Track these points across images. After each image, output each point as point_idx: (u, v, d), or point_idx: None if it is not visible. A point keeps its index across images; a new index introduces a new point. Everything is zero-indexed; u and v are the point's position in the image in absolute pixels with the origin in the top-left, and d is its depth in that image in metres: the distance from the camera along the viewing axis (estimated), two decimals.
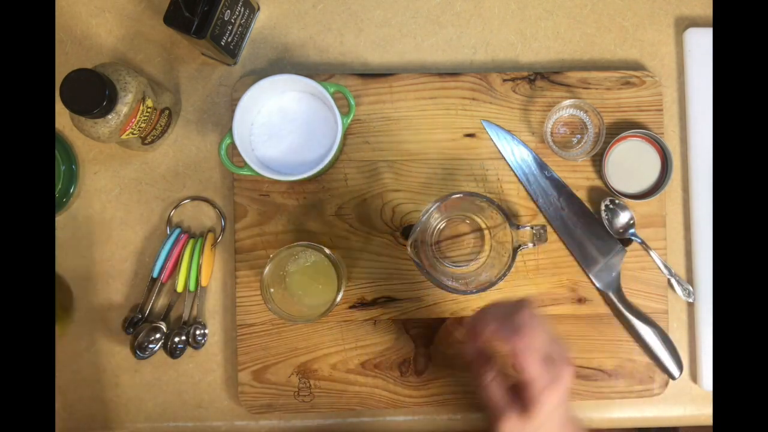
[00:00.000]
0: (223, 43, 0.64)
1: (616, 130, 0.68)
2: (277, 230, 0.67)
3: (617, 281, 0.67)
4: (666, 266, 0.68)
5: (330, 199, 0.68)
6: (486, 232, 0.68)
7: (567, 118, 0.69)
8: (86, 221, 0.69)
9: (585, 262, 0.67)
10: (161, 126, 0.66)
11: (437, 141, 0.68)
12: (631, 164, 0.68)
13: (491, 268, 0.63)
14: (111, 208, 0.69)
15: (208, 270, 0.68)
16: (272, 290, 0.62)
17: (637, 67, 0.71)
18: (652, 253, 0.67)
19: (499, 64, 0.71)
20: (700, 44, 0.69)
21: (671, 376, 0.67)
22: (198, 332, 0.68)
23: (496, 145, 0.68)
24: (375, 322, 0.67)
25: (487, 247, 0.68)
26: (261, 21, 0.70)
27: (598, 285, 0.67)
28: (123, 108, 0.57)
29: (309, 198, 0.68)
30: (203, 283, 0.67)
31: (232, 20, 0.64)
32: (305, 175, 0.61)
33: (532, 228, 0.59)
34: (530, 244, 0.59)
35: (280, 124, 0.64)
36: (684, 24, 0.71)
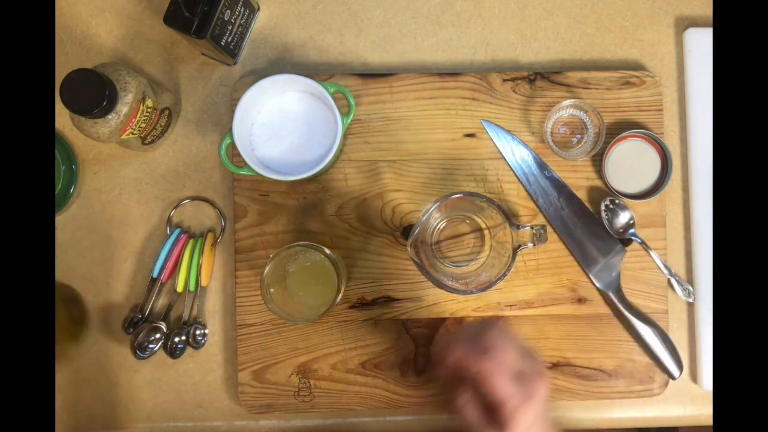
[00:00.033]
0: (223, 43, 0.64)
1: (616, 130, 0.68)
2: (277, 230, 0.67)
3: (617, 281, 0.67)
4: (666, 266, 0.68)
5: (330, 199, 0.68)
6: (486, 232, 0.68)
7: (567, 118, 0.69)
8: (86, 221, 0.69)
9: (585, 262, 0.67)
10: (161, 126, 0.66)
11: (437, 141, 0.68)
12: (631, 164, 0.68)
13: (491, 268, 0.63)
14: (111, 208, 0.69)
15: (208, 270, 0.68)
16: (272, 290, 0.62)
17: (637, 67, 0.71)
18: (652, 253, 0.67)
19: (499, 64, 0.71)
20: (700, 44, 0.69)
21: (671, 376, 0.67)
22: (198, 332, 0.68)
23: (496, 145, 0.68)
24: (375, 322, 0.67)
25: (487, 247, 0.68)
26: (261, 21, 0.70)
27: (598, 285, 0.67)
28: (123, 108, 0.57)
29: (309, 198, 0.68)
30: (203, 283, 0.67)
31: (232, 20, 0.64)
32: (305, 175, 0.61)
33: (532, 228, 0.59)
34: (530, 244, 0.59)
35: (280, 124, 0.64)
36: (684, 24, 0.71)
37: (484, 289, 0.60)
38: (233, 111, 0.61)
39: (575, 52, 0.71)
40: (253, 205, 0.67)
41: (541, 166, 0.68)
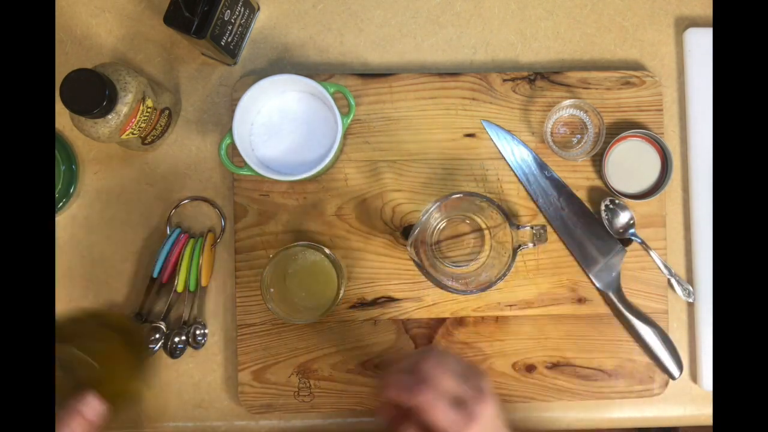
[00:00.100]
0: (223, 43, 0.64)
1: (616, 130, 0.68)
2: (277, 230, 0.67)
3: (617, 281, 0.67)
4: (666, 266, 0.68)
5: (330, 199, 0.68)
6: (486, 232, 0.68)
7: (567, 118, 0.69)
8: (86, 221, 0.69)
9: (585, 262, 0.67)
10: (161, 126, 0.66)
11: (437, 141, 0.68)
12: (631, 164, 0.68)
13: (491, 268, 0.63)
14: (111, 208, 0.69)
15: (208, 270, 0.68)
16: (272, 290, 0.62)
17: (637, 67, 0.71)
18: (652, 253, 0.67)
19: (499, 64, 0.71)
20: (700, 44, 0.69)
21: (671, 376, 0.67)
22: (198, 332, 0.68)
23: (496, 145, 0.68)
24: (375, 322, 0.67)
25: (487, 247, 0.68)
26: (261, 21, 0.70)
27: (598, 285, 0.67)
28: (123, 108, 0.57)
29: (309, 198, 0.68)
30: (203, 283, 0.67)
31: (232, 20, 0.64)
32: (305, 175, 0.61)
33: (532, 228, 0.59)
34: (530, 244, 0.59)
35: (280, 124, 0.64)
36: (684, 24, 0.71)
37: (484, 289, 0.60)
38: (233, 111, 0.61)
39: (575, 52, 0.71)
40: (253, 205, 0.67)
41: (541, 166, 0.68)
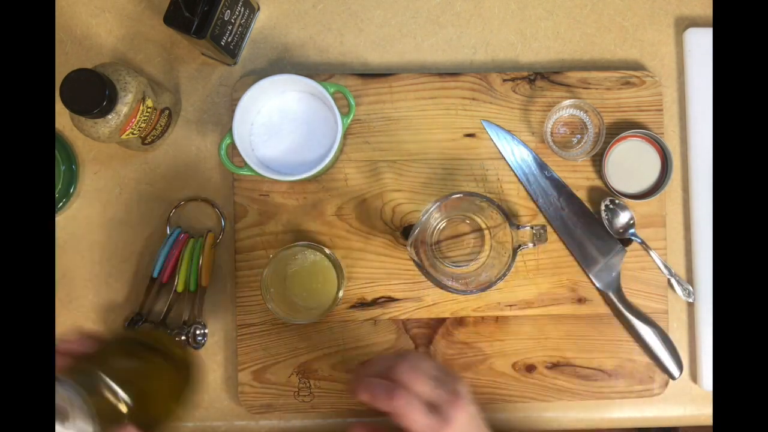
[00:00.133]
0: (223, 43, 0.64)
1: (616, 130, 0.68)
2: (277, 230, 0.67)
3: (617, 281, 0.67)
4: (666, 266, 0.68)
5: (330, 199, 0.68)
6: (486, 232, 0.68)
7: (567, 118, 0.69)
8: (86, 221, 0.69)
9: (585, 262, 0.67)
10: (161, 126, 0.66)
11: (437, 141, 0.68)
12: (631, 164, 0.68)
13: (491, 268, 0.63)
14: (111, 208, 0.69)
15: (208, 270, 0.68)
16: (272, 290, 0.62)
17: (637, 67, 0.71)
18: (652, 253, 0.67)
19: (499, 64, 0.71)
20: (700, 44, 0.69)
21: (671, 376, 0.67)
22: (198, 332, 0.67)
23: (496, 145, 0.68)
24: (375, 322, 0.67)
25: (487, 247, 0.68)
26: (261, 21, 0.70)
27: (598, 285, 0.67)
28: (123, 108, 0.57)
29: (309, 198, 0.68)
30: (203, 283, 0.67)
31: (232, 20, 0.64)
32: (305, 175, 0.61)
33: (532, 228, 0.59)
34: (530, 244, 0.59)
35: (280, 124, 0.64)
36: (684, 24, 0.71)
37: (484, 289, 0.60)
38: (233, 111, 0.61)
39: (575, 52, 0.71)
40: (253, 205, 0.67)
41: (541, 166, 0.68)
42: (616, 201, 0.67)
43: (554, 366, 0.68)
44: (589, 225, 0.68)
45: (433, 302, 0.67)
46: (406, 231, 0.68)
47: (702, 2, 0.71)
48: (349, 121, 0.63)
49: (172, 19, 0.59)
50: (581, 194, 0.68)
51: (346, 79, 0.68)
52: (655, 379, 0.68)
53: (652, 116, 0.69)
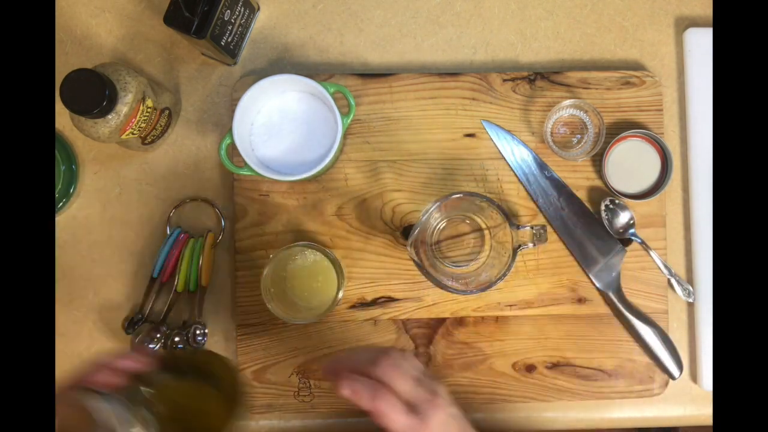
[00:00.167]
0: (223, 43, 0.64)
1: (616, 130, 0.68)
2: (277, 230, 0.67)
3: (617, 281, 0.67)
4: (666, 266, 0.68)
5: (330, 199, 0.68)
6: (486, 232, 0.68)
7: (567, 118, 0.69)
8: (86, 221, 0.69)
9: (585, 262, 0.67)
10: (161, 126, 0.66)
11: (437, 141, 0.68)
12: (631, 164, 0.68)
13: (491, 268, 0.63)
14: (111, 208, 0.69)
15: (208, 270, 0.68)
16: (272, 290, 0.62)
17: (637, 67, 0.71)
18: (652, 253, 0.67)
19: (499, 64, 0.71)
20: (700, 44, 0.69)
21: (671, 376, 0.67)
22: (198, 332, 0.67)
23: (496, 145, 0.68)
24: (375, 322, 0.67)
25: (487, 247, 0.68)
26: (261, 21, 0.70)
27: (598, 285, 0.67)
28: (123, 108, 0.57)
29: (309, 198, 0.68)
30: (203, 283, 0.67)
31: (232, 20, 0.64)
32: (305, 175, 0.61)
33: (532, 228, 0.59)
34: (530, 244, 0.59)
35: (280, 124, 0.64)
36: (684, 24, 0.71)
37: (484, 289, 0.60)
38: (233, 111, 0.61)
39: (575, 52, 0.71)
40: (253, 205, 0.67)
41: (541, 166, 0.68)
42: (616, 201, 0.67)
43: (554, 366, 0.68)
44: (589, 225, 0.68)
45: (433, 302, 0.67)
46: (406, 231, 0.68)
47: (702, 2, 0.71)
48: (349, 121, 0.63)
49: (172, 19, 0.59)
50: (581, 194, 0.68)
51: (346, 79, 0.68)
52: (655, 379, 0.68)
53: (652, 116, 0.69)
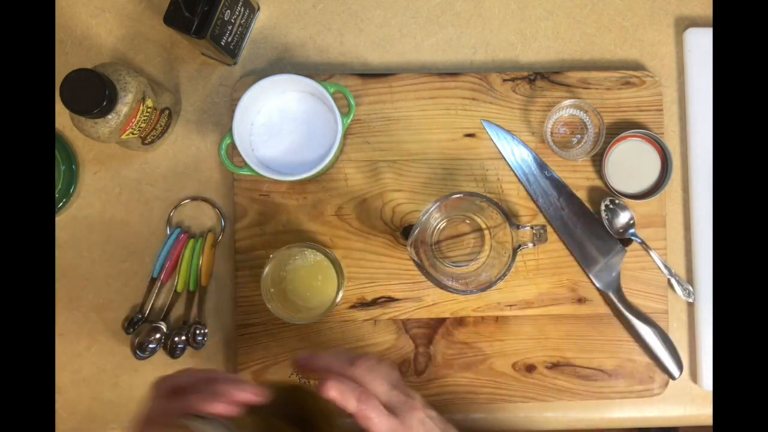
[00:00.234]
0: (223, 43, 0.64)
1: (616, 130, 0.68)
2: (277, 230, 0.67)
3: (617, 281, 0.67)
4: (666, 266, 0.68)
5: (330, 199, 0.68)
6: (486, 232, 0.68)
7: (567, 118, 0.69)
8: (86, 221, 0.69)
9: (585, 262, 0.67)
10: (161, 126, 0.66)
11: (437, 141, 0.68)
12: (631, 164, 0.68)
13: (491, 268, 0.63)
14: (111, 208, 0.69)
15: (208, 270, 0.68)
16: (272, 290, 0.62)
17: (637, 67, 0.71)
18: (652, 253, 0.67)
19: (499, 64, 0.71)
20: (700, 44, 0.69)
21: (671, 376, 0.67)
22: (198, 332, 0.67)
23: (496, 145, 0.68)
24: (375, 322, 0.67)
25: (487, 247, 0.68)
26: (261, 21, 0.70)
27: (598, 285, 0.67)
28: (123, 108, 0.57)
29: (309, 198, 0.68)
30: (203, 283, 0.67)
31: (232, 20, 0.64)
32: (305, 175, 0.61)
33: (532, 228, 0.59)
34: (530, 244, 0.59)
35: (280, 124, 0.64)
36: (684, 24, 0.71)
37: (484, 289, 0.60)
38: (233, 111, 0.61)
39: (575, 52, 0.71)
40: (253, 205, 0.67)
41: (541, 166, 0.68)
42: (616, 201, 0.67)
43: (554, 366, 0.68)
44: (589, 225, 0.68)
45: (433, 302, 0.67)
46: (406, 231, 0.68)
47: (702, 2, 0.71)
48: (349, 121, 0.63)
49: (172, 19, 0.59)
50: (581, 194, 0.68)
51: (346, 79, 0.68)
52: (655, 379, 0.68)
53: (652, 116, 0.69)
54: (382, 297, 0.67)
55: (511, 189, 0.68)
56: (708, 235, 0.68)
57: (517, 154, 0.68)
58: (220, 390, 0.43)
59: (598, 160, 0.68)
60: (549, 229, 0.68)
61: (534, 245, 0.59)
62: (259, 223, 0.67)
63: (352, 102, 0.63)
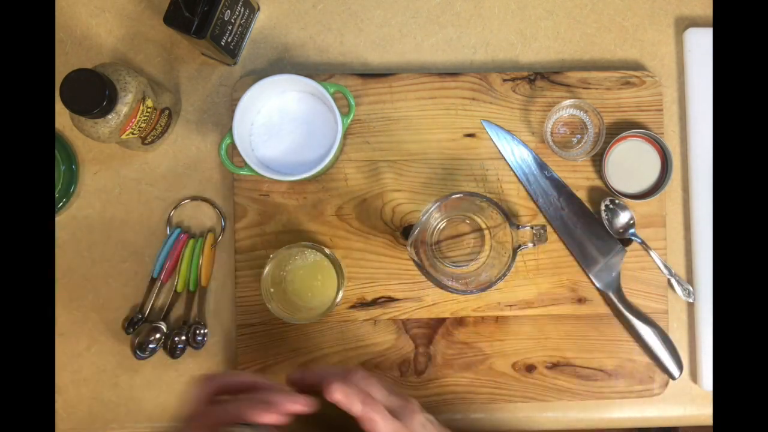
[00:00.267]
0: (223, 43, 0.64)
1: (616, 130, 0.68)
2: (277, 230, 0.67)
3: (617, 281, 0.67)
4: (666, 266, 0.68)
5: (330, 199, 0.68)
6: (486, 232, 0.68)
7: (567, 118, 0.69)
8: (86, 221, 0.69)
9: (585, 262, 0.67)
10: (161, 126, 0.66)
11: (437, 141, 0.68)
12: (631, 164, 0.68)
13: (491, 268, 0.63)
14: (111, 208, 0.69)
15: (208, 270, 0.68)
16: (272, 290, 0.62)
17: (637, 67, 0.71)
18: (652, 253, 0.67)
19: (499, 64, 0.71)
20: (700, 44, 0.69)
21: (671, 376, 0.67)
22: (198, 332, 0.67)
23: (496, 145, 0.68)
24: (375, 322, 0.67)
25: (487, 247, 0.68)
26: (261, 21, 0.70)
27: (598, 285, 0.67)
28: (123, 108, 0.57)
29: (309, 198, 0.68)
30: (203, 283, 0.67)
31: (232, 20, 0.64)
32: (305, 175, 0.61)
33: (532, 228, 0.59)
34: (530, 244, 0.59)
35: (280, 124, 0.64)
36: (684, 24, 0.71)
37: (484, 289, 0.60)
38: (233, 111, 0.61)
39: (575, 52, 0.71)
40: (253, 205, 0.67)
41: (541, 166, 0.68)
42: (616, 201, 0.67)
43: (554, 366, 0.68)
44: (589, 225, 0.68)
45: (433, 302, 0.67)
46: (406, 231, 0.68)
47: (702, 2, 0.71)
48: (349, 121, 0.63)
49: (172, 19, 0.59)
50: (581, 194, 0.68)
51: (346, 79, 0.68)
52: (655, 379, 0.68)
53: (652, 116, 0.69)
54: (382, 297, 0.67)
55: (511, 189, 0.68)
56: (708, 235, 0.68)
57: (517, 154, 0.68)
58: (269, 398, 0.43)
59: (598, 160, 0.68)
60: (549, 229, 0.68)
61: (534, 245, 0.59)
62: (259, 223, 0.67)
63: (352, 102, 0.63)
